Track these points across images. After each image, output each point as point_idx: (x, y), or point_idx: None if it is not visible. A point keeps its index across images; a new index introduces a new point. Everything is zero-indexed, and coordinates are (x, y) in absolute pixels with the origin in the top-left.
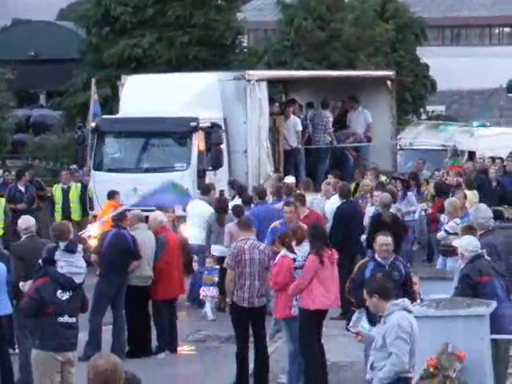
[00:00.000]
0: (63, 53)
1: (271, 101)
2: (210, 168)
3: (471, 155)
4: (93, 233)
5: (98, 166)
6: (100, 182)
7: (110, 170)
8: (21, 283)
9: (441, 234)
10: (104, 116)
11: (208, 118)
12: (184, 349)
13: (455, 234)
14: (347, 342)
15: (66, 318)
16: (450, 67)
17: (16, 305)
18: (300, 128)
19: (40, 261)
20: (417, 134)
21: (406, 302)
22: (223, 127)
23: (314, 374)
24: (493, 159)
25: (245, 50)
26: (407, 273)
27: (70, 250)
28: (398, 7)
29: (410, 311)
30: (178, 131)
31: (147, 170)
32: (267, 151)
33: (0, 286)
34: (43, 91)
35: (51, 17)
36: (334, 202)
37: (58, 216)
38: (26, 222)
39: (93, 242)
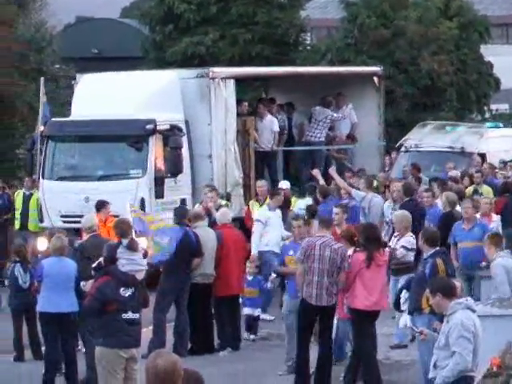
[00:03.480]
0: (126, 50)
1: (239, 100)
2: (169, 175)
3: (482, 158)
4: (41, 247)
5: (47, 174)
6: (49, 192)
7: (60, 179)
8: (82, 283)
9: (401, 252)
10: (53, 119)
11: (167, 119)
12: (246, 347)
13: (413, 249)
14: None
15: (129, 314)
16: None
17: (80, 303)
18: (277, 129)
19: (102, 259)
20: (423, 136)
21: (469, 300)
22: (184, 130)
23: (370, 373)
24: (504, 163)
25: (308, 47)
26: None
27: (133, 248)
28: (462, 5)
29: (473, 310)
30: (133, 135)
31: (100, 178)
32: (235, 155)
33: (69, 282)
34: None
35: (114, 14)
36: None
37: (17, 224)
38: (89, 220)
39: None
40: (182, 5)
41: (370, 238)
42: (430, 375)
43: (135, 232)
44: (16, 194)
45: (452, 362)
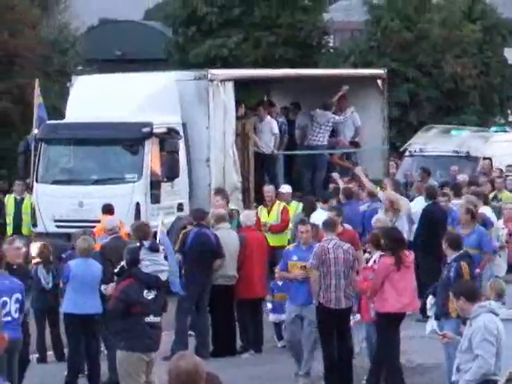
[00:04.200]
0: (150, 53)
1: (238, 103)
2: (165, 179)
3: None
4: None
5: (41, 178)
6: (43, 196)
7: (54, 182)
8: (103, 286)
9: None
10: (48, 121)
11: (164, 122)
12: (268, 349)
13: None
14: (432, 343)
15: (151, 318)
16: None
17: (104, 305)
18: (277, 131)
19: (123, 263)
20: (427, 140)
21: (492, 304)
22: (182, 133)
23: (394, 376)
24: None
25: (331, 50)
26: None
27: (155, 248)
28: (486, 8)
29: (496, 314)
30: (129, 138)
31: (95, 182)
32: (233, 159)
33: (94, 284)
34: None
35: (137, 16)
36: (419, 203)
37: (9, 229)
38: (111, 222)
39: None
40: (205, 7)
41: (394, 240)
42: (453, 378)
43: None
44: (6, 199)
45: (475, 366)
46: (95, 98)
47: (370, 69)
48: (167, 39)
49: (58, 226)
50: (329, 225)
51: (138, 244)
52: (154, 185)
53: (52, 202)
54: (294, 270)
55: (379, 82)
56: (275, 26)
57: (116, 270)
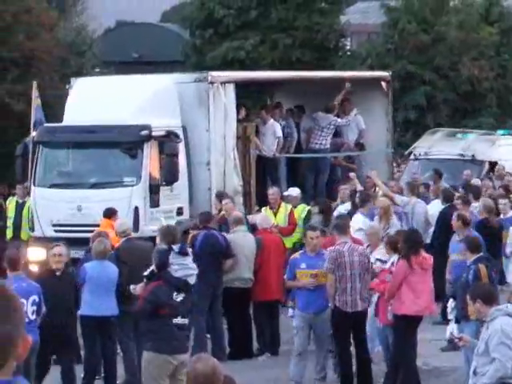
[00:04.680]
0: (167, 55)
1: (239, 106)
2: (164, 183)
3: (492, 166)
4: (32, 257)
5: (39, 181)
6: (41, 200)
7: (52, 186)
8: (131, 286)
9: (378, 266)
10: (45, 124)
11: (163, 125)
12: (285, 352)
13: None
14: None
15: (179, 320)
16: None
17: (120, 308)
18: (280, 134)
19: (154, 267)
20: (433, 143)
21: (509, 307)
22: (181, 136)
23: (410, 379)
24: None
25: (348, 52)
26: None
27: (184, 252)
28: (503, 11)
29: None
30: (128, 141)
31: (93, 186)
32: (234, 162)
33: (110, 286)
34: None
35: (155, 19)
36: (436, 206)
37: (9, 232)
38: (123, 225)
39: (33, 268)
40: (222, 10)
41: (408, 242)
42: (470, 382)
43: None
44: (8, 201)
45: (492, 369)
46: (94, 101)
47: (374, 71)
48: (184, 41)
49: (55, 231)
50: (341, 228)
51: (167, 247)
52: (153, 188)
53: (50, 206)
54: (304, 279)
55: (384, 84)
56: (292, 29)
57: (146, 274)
